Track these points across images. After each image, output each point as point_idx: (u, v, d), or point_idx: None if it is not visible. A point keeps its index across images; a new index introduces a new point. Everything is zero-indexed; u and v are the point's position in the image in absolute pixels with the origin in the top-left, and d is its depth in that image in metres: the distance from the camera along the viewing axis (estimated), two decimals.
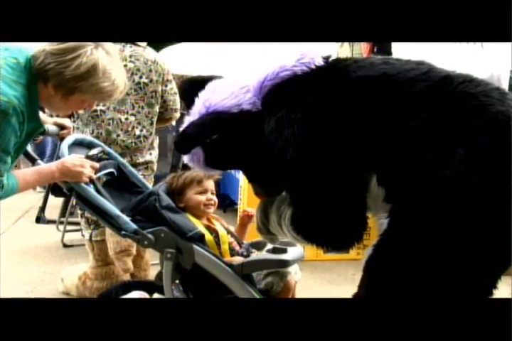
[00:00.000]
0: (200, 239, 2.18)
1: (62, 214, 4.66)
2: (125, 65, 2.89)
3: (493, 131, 1.47)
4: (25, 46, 1.93)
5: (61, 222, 4.66)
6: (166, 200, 2.26)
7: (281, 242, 2.27)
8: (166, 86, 3.09)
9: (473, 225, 1.46)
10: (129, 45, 2.99)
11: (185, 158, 1.88)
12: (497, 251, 1.48)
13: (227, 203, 5.17)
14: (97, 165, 2.19)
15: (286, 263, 2.14)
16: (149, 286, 2.45)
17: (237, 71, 1.95)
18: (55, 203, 4.87)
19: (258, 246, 2.34)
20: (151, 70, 2.99)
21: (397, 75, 1.60)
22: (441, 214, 1.49)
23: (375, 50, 5.02)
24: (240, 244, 2.34)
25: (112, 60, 1.92)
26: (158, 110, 3.07)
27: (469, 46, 4.96)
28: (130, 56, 2.96)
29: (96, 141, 2.48)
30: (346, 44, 5.16)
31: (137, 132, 2.98)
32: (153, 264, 3.19)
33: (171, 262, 2.14)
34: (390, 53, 4.07)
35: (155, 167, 3.23)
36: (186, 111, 1.92)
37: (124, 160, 2.95)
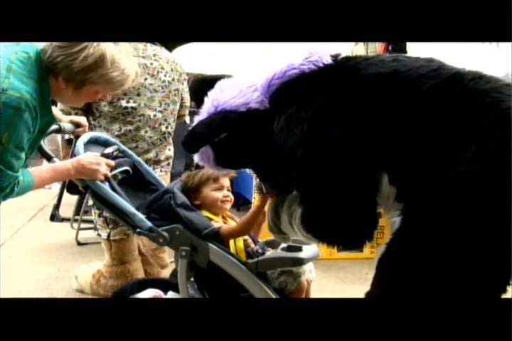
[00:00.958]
0: (215, 236, 2.18)
1: (77, 212, 4.68)
2: (151, 63, 2.94)
3: (504, 127, 1.45)
4: None
5: (75, 220, 4.68)
6: (181, 198, 2.26)
7: (294, 241, 2.28)
8: (183, 84, 3.16)
9: (488, 224, 1.45)
10: (149, 44, 3.02)
11: (196, 157, 1.88)
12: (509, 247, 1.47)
13: (240, 201, 5.16)
14: (112, 163, 2.20)
15: (300, 262, 2.13)
16: (164, 284, 2.45)
17: (246, 70, 1.95)
18: (70, 201, 4.90)
19: (273, 244, 2.33)
20: (172, 69, 3.05)
21: (407, 72, 1.58)
22: (454, 213, 1.48)
23: (390, 49, 5.01)
24: (254, 242, 2.34)
25: (119, 49, 1.91)
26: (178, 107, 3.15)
27: (485, 46, 4.94)
28: (154, 55, 3.00)
29: (111, 139, 2.49)
30: (361, 43, 5.15)
31: (163, 128, 3.03)
32: (171, 262, 3.20)
33: (185, 260, 2.14)
34: (405, 52, 4.06)
35: (171, 162, 3.28)
36: (196, 109, 1.92)
37: (150, 156, 3.02)
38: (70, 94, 1.92)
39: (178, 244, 2.15)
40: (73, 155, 2.25)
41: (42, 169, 2.06)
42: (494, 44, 4.84)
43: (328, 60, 1.71)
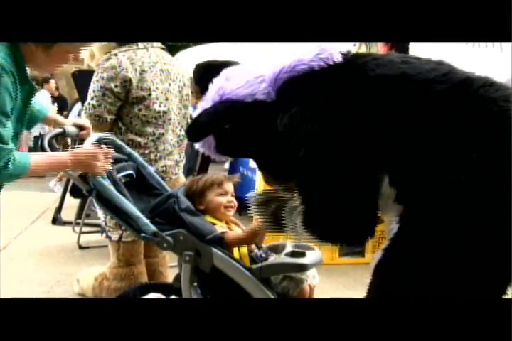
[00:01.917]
0: (218, 241, 2.17)
1: (79, 215, 4.68)
2: (171, 69, 3.03)
3: (507, 134, 1.45)
4: None
5: (77, 224, 4.68)
6: (185, 203, 2.26)
7: (298, 246, 2.28)
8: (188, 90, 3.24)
9: (488, 224, 1.45)
10: (162, 50, 3.10)
11: (197, 144, 1.86)
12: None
13: (243, 206, 5.15)
14: (111, 151, 2.18)
15: (304, 267, 2.13)
16: (166, 288, 2.44)
17: (253, 61, 1.93)
18: (72, 204, 4.90)
19: (276, 249, 2.33)
20: (183, 75, 3.14)
21: (416, 76, 1.57)
22: (454, 214, 1.47)
23: (392, 50, 5.01)
24: (258, 247, 2.33)
25: None
26: None
27: (488, 49, 4.95)
28: (170, 60, 3.09)
29: (118, 140, 2.50)
30: (363, 44, 5.14)
31: (178, 131, 3.10)
32: (171, 266, 3.20)
33: (189, 265, 2.13)
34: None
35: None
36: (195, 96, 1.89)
37: (176, 157, 3.08)
38: (41, 57, 1.92)
39: (182, 249, 2.14)
40: None
41: (40, 156, 2.05)
42: (497, 48, 4.84)
43: (338, 58, 1.69)
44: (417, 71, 1.58)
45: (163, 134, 2.99)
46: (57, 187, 6.77)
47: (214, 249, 2.13)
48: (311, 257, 2.13)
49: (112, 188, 2.16)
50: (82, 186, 2.21)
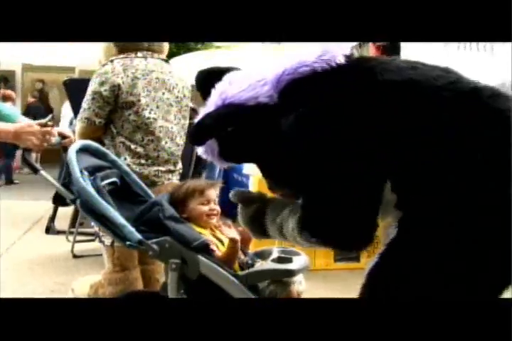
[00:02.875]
0: (204, 248, 2.16)
1: (72, 224, 4.67)
2: (168, 79, 3.04)
3: None
4: None
5: (71, 233, 4.67)
6: (170, 210, 2.24)
7: (285, 251, 2.26)
8: (190, 101, 3.27)
9: (489, 234, 1.43)
10: (163, 61, 3.11)
11: (200, 150, 1.82)
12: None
13: (235, 212, 5.13)
14: (51, 131, 2.23)
15: (291, 273, 2.12)
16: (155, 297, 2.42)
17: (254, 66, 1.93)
18: (65, 213, 4.89)
19: (263, 255, 2.31)
20: (183, 86, 3.15)
21: (424, 83, 1.54)
22: (454, 226, 1.45)
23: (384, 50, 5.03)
24: (244, 253, 2.31)
25: None
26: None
27: (480, 53, 4.95)
28: (169, 72, 3.10)
29: (101, 147, 2.50)
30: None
31: (178, 141, 3.13)
32: None
33: (176, 273, 2.11)
34: (398, 54, 4.07)
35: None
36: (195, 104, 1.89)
37: (171, 166, 3.06)
38: None
39: (168, 257, 2.12)
40: (67, 165, 2.23)
41: None
42: (489, 52, 4.84)
43: (341, 60, 1.66)
44: (425, 78, 1.56)
45: (152, 141, 2.99)
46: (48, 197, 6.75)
47: (200, 257, 2.11)
48: (297, 262, 2.12)
49: (97, 196, 2.14)
50: (66, 195, 2.19)
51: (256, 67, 1.83)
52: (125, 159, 2.86)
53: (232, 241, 2.19)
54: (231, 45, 9.28)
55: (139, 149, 2.93)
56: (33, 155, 2.21)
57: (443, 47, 4.87)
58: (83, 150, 2.35)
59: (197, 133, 1.75)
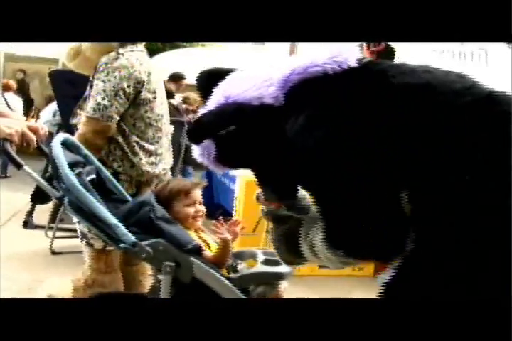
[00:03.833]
0: (197, 251, 2.10)
1: (52, 219, 4.54)
2: (159, 76, 2.97)
3: None
4: None
5: (50, 228, 4.54)
6: (161, 211, 2.17)
7: (267, 253, 2.23)
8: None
9: (503, 245, 1.38)
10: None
11: (196, 153, 1.74)
12: None
13: (220, 212, 5.09)
14: (31, 137, 2.05)
15: (283, 276, 2.14)
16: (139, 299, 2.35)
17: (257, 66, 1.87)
18: (44, 207, 4.75)
19: (242, 256, 2.29)
20: (163, 83, 3.14)
21: (441, 87, 1.50)
22: (471, 237, 1.40)
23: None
24: None
25: None
26: None
27: (473, 63, 4.94)
28: (154, 65, 3.00)
29: (76, 142, 2.40)
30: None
31: (169, 136, 3.11)
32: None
33: (169, 276, 2.05)
34: (392, 57, 4.05)
35: None
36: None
37: (168, 160, 3.03)
38: None
39: (162, 260, 2.05)
40: (53, 160, 2.11)
41: None
42: (483, 62, 4.85)
43: (353, 63, 1.61)
44: (441, 82, 1.51)
45: (160, 138, 2.94)
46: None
47: (194, 259, 2.05)
48: (285, 265, 2.08)
49: (88, 194, 2.04)
50: (51, 192, 2.09)
51: (261, 68, 1.77)
52: (140, 159, 2.79)
53: (224, 241, 2.14)
54: (214, 44, 9.26)
55: (151, 147, 2.86)
56: (14, 148, 2.05)
57: (438, 55, 4.86)
58: (63, 143, 2.23)
59: (197, 130, 1.67)
